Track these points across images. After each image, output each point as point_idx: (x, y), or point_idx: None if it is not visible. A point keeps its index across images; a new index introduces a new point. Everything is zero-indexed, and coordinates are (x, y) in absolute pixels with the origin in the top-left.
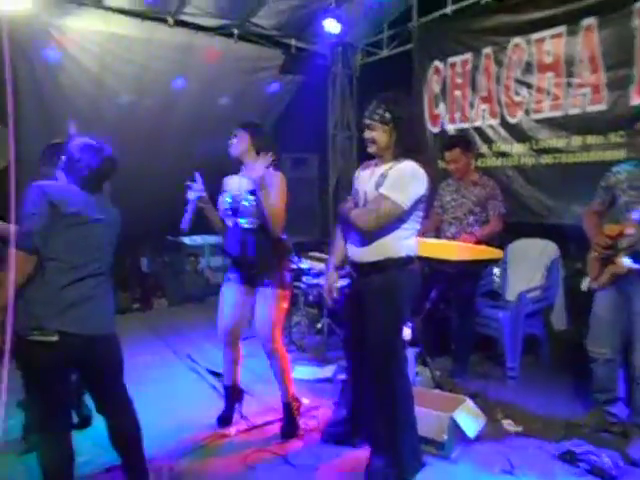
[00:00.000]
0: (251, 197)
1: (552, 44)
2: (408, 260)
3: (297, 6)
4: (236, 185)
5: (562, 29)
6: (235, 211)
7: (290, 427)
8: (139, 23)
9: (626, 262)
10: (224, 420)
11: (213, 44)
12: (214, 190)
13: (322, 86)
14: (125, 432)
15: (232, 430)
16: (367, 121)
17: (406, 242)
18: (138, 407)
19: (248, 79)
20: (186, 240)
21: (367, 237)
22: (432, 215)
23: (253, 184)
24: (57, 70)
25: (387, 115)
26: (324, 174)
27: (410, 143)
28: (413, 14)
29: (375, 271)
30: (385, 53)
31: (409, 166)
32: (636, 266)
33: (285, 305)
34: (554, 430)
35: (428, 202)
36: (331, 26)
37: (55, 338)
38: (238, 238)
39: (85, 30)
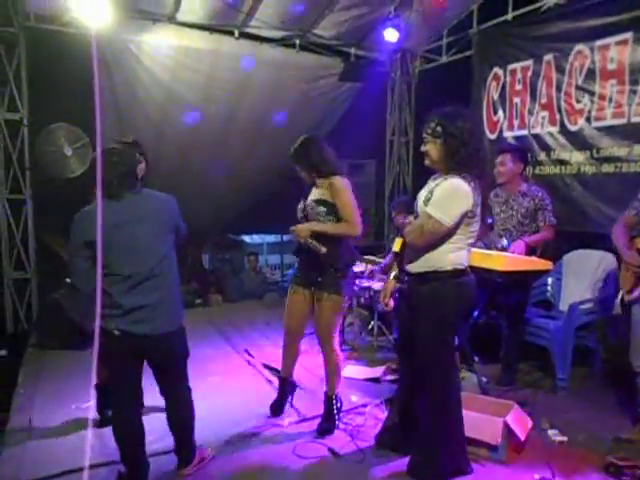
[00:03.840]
0: (316, 205)
1: (617, 51)
2: (456, 273)
3: (357, 16)
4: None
5: (628, 35)
6: (305, 218)
7: (327, 423)
8: (207, 36)
9: None
10: (276, 408)
11: (275, 54)
12: (279, 193)
13: (380, 93)
14: (178, 415)
15: (285, 421)
16: (423, 135)
17: (453, 255)
18: (198, 396)
19: (308, 87)
20: (246, 239)
21: (416, 249)
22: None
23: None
24: (133, 82)
25: (438, 129)
26: (381, 179)
27: (461, 158)
28: (473, 20)
29: (422, 282)
30: (444, 60)
31: (453, 183)
32: None
33: (341, 310)
34: (600, 443)
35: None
36: (390, 35)
37: (117, 333)
38: (313, 245)
39: (159, 44)
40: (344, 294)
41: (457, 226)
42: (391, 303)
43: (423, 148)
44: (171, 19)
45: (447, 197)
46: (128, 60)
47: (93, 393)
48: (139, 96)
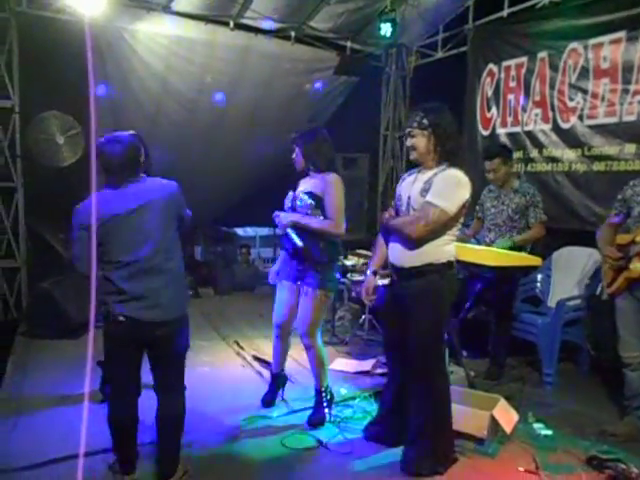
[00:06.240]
0: (306, 197)
1: (610, 50)
2: (448, 265)
3: (353, 9)
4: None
5: (622, 34)
6: (292, 209)
7: (317, 415)
8: (202, 26)
9: (638, 267)
10: (267, 402)
11: (270, 46)
12: (272, 186)
13: (375, 87)
14: (169, 414)
15: (274, 413)
16: (407, 129)
17: (447, 248)
18: (188, 386)
19: (302, 80)
20: (239, 231)
21: (410, 243)
22: (475, 220)
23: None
24: (127, 71)
25: (425, 121)
26: (374, 173)
27: (450, 147)
28: (469, 16)
29: (416, 276)
30: (439, 55)
31: (454, 173)
32: None
33: (325, 304)
34: (584, 436)
35: (470, 208)
36: (386, 29)
37: (122, 319)
38: (291, 237)
39: (153, 33)
40: (328, 288)
41: (457, 216)
42: (374, 299)
43: (409, 142)
44: (166, 8)
45: (450, 186)
46: (122, 49)
47: (95, 370)
48: (133, 86)
